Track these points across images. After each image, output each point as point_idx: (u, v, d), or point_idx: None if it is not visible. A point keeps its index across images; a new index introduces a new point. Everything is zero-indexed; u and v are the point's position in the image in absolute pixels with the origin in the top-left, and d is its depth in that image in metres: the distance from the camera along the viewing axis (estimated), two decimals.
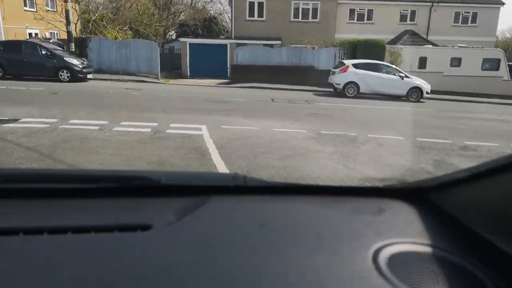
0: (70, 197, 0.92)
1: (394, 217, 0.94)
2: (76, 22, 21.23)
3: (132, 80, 16.28)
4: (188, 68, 21.77)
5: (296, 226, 0.86)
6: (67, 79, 14.46)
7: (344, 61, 14.97)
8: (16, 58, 14.27)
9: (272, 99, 12.67)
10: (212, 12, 40.88)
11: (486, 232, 0.78)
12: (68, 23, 16.28)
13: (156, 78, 17.81)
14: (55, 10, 24.79)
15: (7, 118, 7.07)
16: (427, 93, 14.67)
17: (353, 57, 17.41)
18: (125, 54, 17.91)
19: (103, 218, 0.85)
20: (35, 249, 0.70)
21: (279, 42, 24.07)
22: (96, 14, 21.22)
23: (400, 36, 22.94)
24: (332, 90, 15.65)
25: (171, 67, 22.30)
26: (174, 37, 36.34)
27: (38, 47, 14.54)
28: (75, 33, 19.49)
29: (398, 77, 14.42)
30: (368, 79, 14.24)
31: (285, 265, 0.69)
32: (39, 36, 22.80)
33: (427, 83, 14.71)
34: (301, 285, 0.65)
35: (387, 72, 14.49)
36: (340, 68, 14.61)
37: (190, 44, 21.64)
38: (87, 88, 12.99)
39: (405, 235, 0.84)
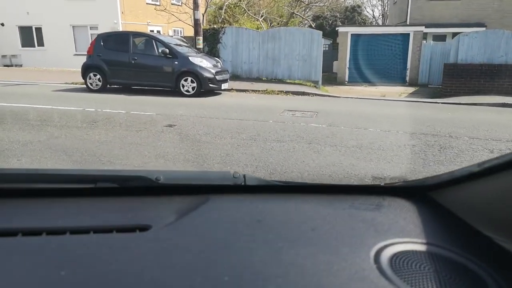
0: (69, 197, 0.90)
1: (395, 216, 0.89)
2: (204, 12, 16.39)
3: (286, 92, 10.31)
4: (347, 71, 15.27)
5: (297, 225, 0.83)
6: (192, 92, 9.07)
7: None
8: (122, 60, 9.37)
9: None
10: (350, 1, 33.75)
11: (489, 230, 0.77)
12: (195, 7, 11.06)
13: (315, 86, 11.63)
14: (179, 4, 20.71)
15: None
16: None
17: None
18: (271, 51, 12.10)
19: (101, 218, 0.83)
20: (33, 250, 0.69)
21: (483, 28, 16.05)
22: None
23: None
24: None
25: None
26: None
27: (154, 42, 9.46)
28: (202, 24, 14.52)
29: None
30: None
31: (285, 265, 0.67)
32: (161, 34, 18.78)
33: None
34: (301, 285, 0.63)
35: None
36: None
37: (352, 35, 15.06)
38: (224, 112, 7.28)
39: (407, 234, 0.80)
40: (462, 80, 10.23)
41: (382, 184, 1.04)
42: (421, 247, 0.74)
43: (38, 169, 1.84)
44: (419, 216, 0.88)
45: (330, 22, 28.85)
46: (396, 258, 0.70)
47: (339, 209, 0.92)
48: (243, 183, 0.98)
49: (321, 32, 12.01)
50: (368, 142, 5.15)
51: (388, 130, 5.88)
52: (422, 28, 14.44)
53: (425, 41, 14.66)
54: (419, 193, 0.97)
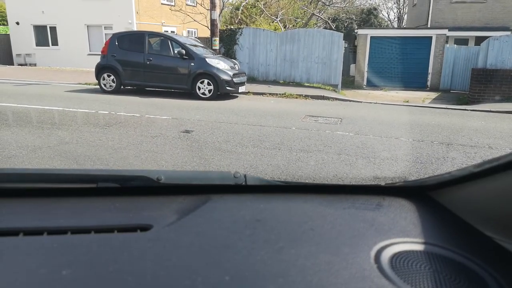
0: (70, 197, 0.90)
1: (396, 216, 0.88)
2: (220, 13, 16.09)
3: (305, 96, 9.91)
4: (366, 75, 14.79)
5: (297, 225, 0.82)
6: (208, 95, 8.74)
7: None
8: (137, 60, 9.08)
9: None
10: (366, 3, 33.11)
11: (489, 230, 0.76)
12: (212, 7, 10.73)
13: (334, 90, 11.20)
14: (194, 4, 20.48)
15: None
16: None
17: None
18: (289, 53, 11.72)
19: (103, 218, 0.82)
20: (35, 249, 0.68)
21: (508, 32, 15.42)
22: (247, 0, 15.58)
23: None
24: None
25: None
26: None
27: (169, 42, 9.15)
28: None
29: None
30: None
31: (286, 265, 0.66)
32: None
33: None
34: (302, 285, 0.62)
35: None
36: None
37: (372, 38, 14.60)
38: (243, 117, 6.91)
39: (407, 234, 0.79)
40: (491, 86, 9.71)
41: (383, 184, 1.04)
42: (421, 247, 0.74)
43: (39, 169, 1.83)
44: (420, 216, 0.87)
45: (346, 24, 28.33)
46: (396, 258, 0.69)
47: (339, 209, 0.91)
48: (244, 183, 0.97)
49: (342, 34, 11.57)
50: (403, 153, 4.73)
51: (421, 140, 5.45)
52: (445, 31, 13.91)
53: (447, 45, 14.11)
54: (420, 193, 0.97)
